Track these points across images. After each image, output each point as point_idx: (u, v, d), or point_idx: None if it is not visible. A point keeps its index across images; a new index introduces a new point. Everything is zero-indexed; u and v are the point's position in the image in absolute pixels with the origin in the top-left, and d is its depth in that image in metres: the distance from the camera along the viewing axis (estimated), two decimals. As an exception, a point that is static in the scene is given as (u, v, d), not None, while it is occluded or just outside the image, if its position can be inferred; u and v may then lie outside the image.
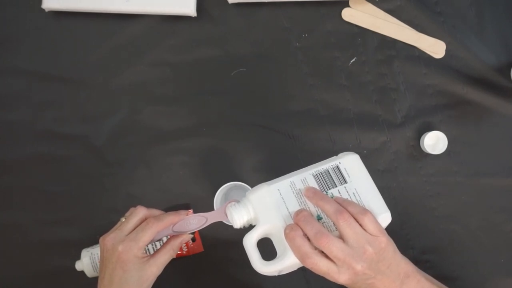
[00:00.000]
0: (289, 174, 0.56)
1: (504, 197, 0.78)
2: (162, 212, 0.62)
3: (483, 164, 0.78)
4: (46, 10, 0.77)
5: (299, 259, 0.50)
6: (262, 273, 0.52)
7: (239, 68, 0.78)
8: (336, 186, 0.54)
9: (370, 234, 0.50)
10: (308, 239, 0.50)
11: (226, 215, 0.65)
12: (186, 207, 0.77)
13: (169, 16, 0.78)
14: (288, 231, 0.50)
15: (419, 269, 0.56)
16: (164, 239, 0.63)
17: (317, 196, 0.52)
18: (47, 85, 0.78)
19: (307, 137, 0.78)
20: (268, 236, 0.54)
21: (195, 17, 0.77)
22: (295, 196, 0.54)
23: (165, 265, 0.60)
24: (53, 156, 0.78)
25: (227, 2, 0.77)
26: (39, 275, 0.77)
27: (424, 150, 0.77)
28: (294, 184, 0.55)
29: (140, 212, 0.60)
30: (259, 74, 0.78)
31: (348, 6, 0.78)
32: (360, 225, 0.50)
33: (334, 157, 0.58)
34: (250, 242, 0.53)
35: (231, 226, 0.68)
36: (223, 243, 0.76)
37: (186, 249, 0.76)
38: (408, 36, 0.78)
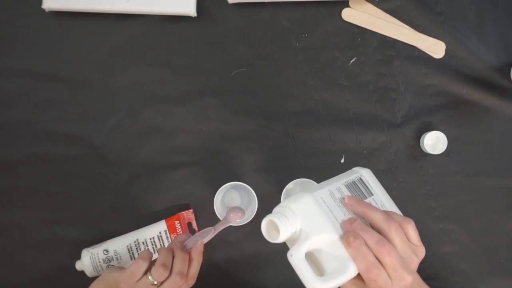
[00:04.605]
0: (319, 185, 0.52)
1: (504, 197, 0.78)
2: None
3: (483, 164, 0.78)
4: (46, 10, 0.77)
5: (362, 270, 0.46)
6: None
7: (239, 68, 0.78)
8: (366, 197, 0.53)
9: (413, 244, 0.49)
10: None
11: (229, 221, 0.66)
12: (186, 207, 0.77)
13: (169, 16, 0.78)
14: (353, 239, 0.46)
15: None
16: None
17: (363, 205, 0.50)
18: (47, 85, 0.78)
19: (307, 137, 0.78)
20: (314, 249, 0.49)
21: (195, 17, 0.77)
22: (337, 205, 0.50)
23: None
24: (53, 156, 0.78)
25: (227, 2, 0.77)
26: (39, 275, 0.77)
27: (424, 150, 0.77)
28: (333, 193, 0.51)
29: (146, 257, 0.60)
30: (259, 74, 0.78)
31: (348, 6, 0.78)
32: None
33: (349, 171, 0.56)
34: (299, 258, 0.46)
35: (231, 226, 0.69)
36: (223, 244, 0.76)
37: (186, 249, 0.76)
38: (408, 36, 0.78)
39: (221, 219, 0.70)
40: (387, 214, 0.49)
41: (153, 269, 0.57)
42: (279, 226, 0.47)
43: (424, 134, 0.76)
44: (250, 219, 0.71)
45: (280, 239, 0.48)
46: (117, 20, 0.78)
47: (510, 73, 0.77)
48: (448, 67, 0.78)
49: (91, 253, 0.72)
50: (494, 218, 0.78)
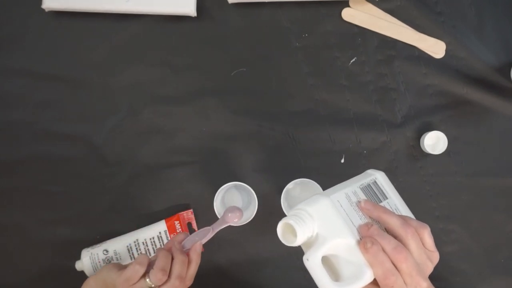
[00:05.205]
0: (334, 187, 0.51)
1: (504, 197, 0.78)
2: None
3: (483, 164, 0.78)
4: (46, 10, 0.77)
5: (379, 276, 0.46)
6: None
7: (239, 68, 0.78)
8: (381, 201, 0.52)
9: (428, 250, 0.49)
10: None
11: (227, 221, 0.65)
12: (186, 207, 0.77)
13: (169, 16, 0.78)
14: (370, 245, 0.46)
15: None
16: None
17: (379, 209, 0.49)
18: (47, 85, 0.78)
19: (307, 137, 0.78)
20: (330, 253, 0.48)
21: (195, 17, 0.77)
22: (353, 208, 0.49)
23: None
24: (53, 156, 0.78)
25: (227, 2, 0.77)
26: (39, 275, 0.77)
27: (424, 150, 0.77)
28: (349, 196, 0.50)
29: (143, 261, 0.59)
30: (259, 74, 0.78)
31: (348, 6, 0.78)
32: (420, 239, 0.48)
33: (363, 173, 0.55)
34: (315, 262, 0.45)
35: (231, 226, 0.69)
36: (223, 243, 0.76)
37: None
38: (408, 36, 0.78)
39: (221, 219, 0.71)
40: (403, 219, 0.48)
41: (152, 273, 0.56)
42: (296, 229, 0.46)
43: (424, 134, 0.76)
44: (250, 219, 0.71)
45: (296, 243, 0.47)
46: (117, 20, 0.78)
47: (510, 73, 0.77)
48: (448, 67, 0.78)
49: (91, 253, 0.72)
50: (494, 218, 0.78)
